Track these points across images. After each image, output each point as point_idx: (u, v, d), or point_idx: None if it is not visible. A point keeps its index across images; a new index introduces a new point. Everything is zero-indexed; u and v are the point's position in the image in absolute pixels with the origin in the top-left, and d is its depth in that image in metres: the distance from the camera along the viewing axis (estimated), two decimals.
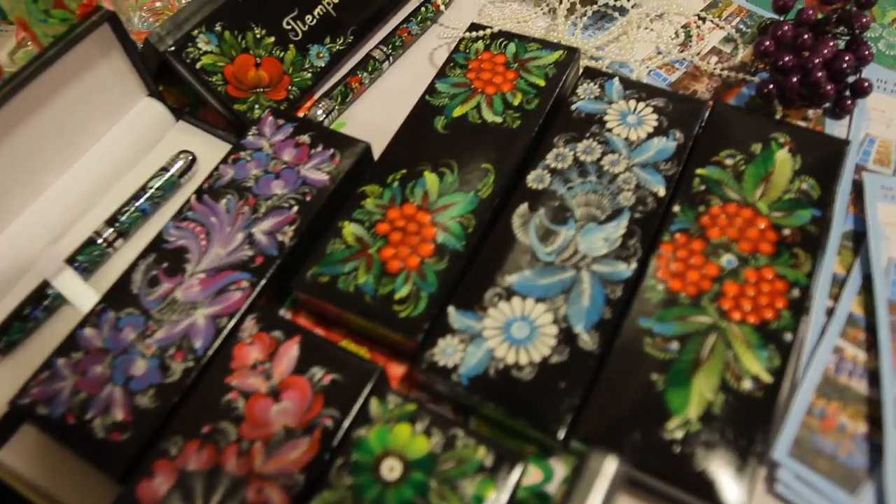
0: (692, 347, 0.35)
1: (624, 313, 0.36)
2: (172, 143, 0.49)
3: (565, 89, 0.46)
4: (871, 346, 0.37)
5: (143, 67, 0.46)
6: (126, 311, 0.38)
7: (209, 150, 0.48)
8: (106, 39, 0.43)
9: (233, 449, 0.34)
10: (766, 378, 0.34)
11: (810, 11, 0.46)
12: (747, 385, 0.34)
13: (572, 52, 0.46)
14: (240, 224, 0.41)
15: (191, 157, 0.46)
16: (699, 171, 0.41)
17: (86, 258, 0.42)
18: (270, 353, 0.36)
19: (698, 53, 0.51)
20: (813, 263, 0.37)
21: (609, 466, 0.25)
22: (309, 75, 0.49)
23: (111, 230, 0.43)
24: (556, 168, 0.41)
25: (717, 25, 0.52)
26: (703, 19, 0.53)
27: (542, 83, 0.45)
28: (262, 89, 0.48)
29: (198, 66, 0.46)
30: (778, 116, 0.47)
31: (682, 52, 0.51)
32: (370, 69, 0.50)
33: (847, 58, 0.45)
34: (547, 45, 0.47)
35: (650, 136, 0.42)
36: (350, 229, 0.40)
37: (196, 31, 0.46)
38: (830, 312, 0.39)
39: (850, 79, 0.47)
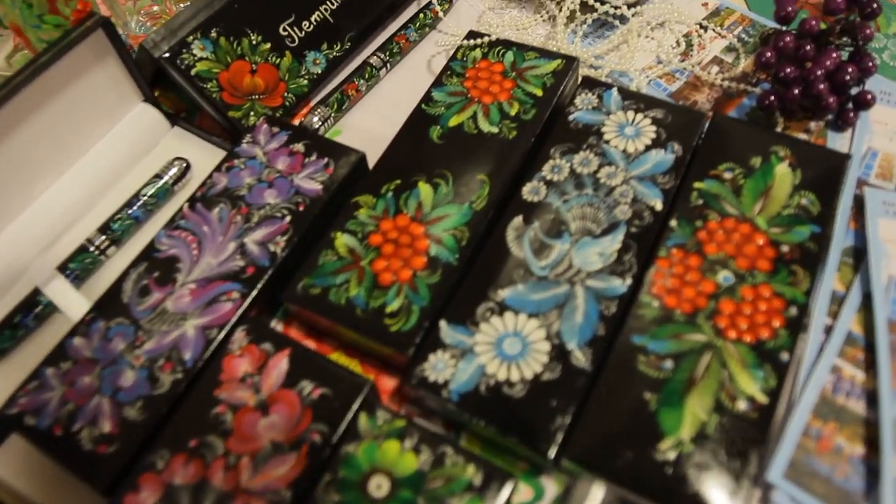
0: (686, 366, 0.34)
1: (618, 330, 0.36)
2: (167, 150, 0.48)
3: (563, 99, 0.45)
4: (870, 365, 0.37)
5: (137, 73, 0.46)
6: (116, 320, 0.38)
7: (204, 156, 0.48)
8: (100, 45, 0.43)
9: (220, 463, 0.33)
10: (762, 399, 0.33)
11: (813, 22, 0.45)
12: (742, 406, 0.33)
13: (571, 62, 0.46)
14: (232, 233, 0.40)
15: (185, 165, 0.46)
16: (697, 184, 0.40)
17: (77, 266, 0.42)
18: (260, 365, 0.36)
19: (699, 63, 0.50)
20: (811, 281, 0.36)
21: (596, 493, 0.24)
22: (305, 82, 0.49)
23: (103, 238, 0.43)
24: (552, 180, 0.41)
25: (719, 34, 0.52)
26: (705, 28, 0.52)
27: (539, 93, 0.45)
28: (257, 96, 0.47)
29: (192, 72, 0.46)
30: (779, 128, 0.46)
31: (682, 61, 0.50)
32: (367, 76, 0.50)
33: (850, 69, 0.44)
34: (545, 53, 0.46)
35: (648, 148, 0.42)
36: (342, 240, 0.40)
37: (191, 38, 0.46)
38: (829, 330, 0.38)
39: (853, 91, 0.46)
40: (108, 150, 0.47)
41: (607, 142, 0.42)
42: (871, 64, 0.46)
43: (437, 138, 0.43)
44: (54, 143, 0.44)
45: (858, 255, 0.41)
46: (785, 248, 0.37)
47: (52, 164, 0.45)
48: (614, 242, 0.38)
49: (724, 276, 0.37)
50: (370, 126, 0.49)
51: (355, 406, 0.34)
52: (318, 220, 0.41)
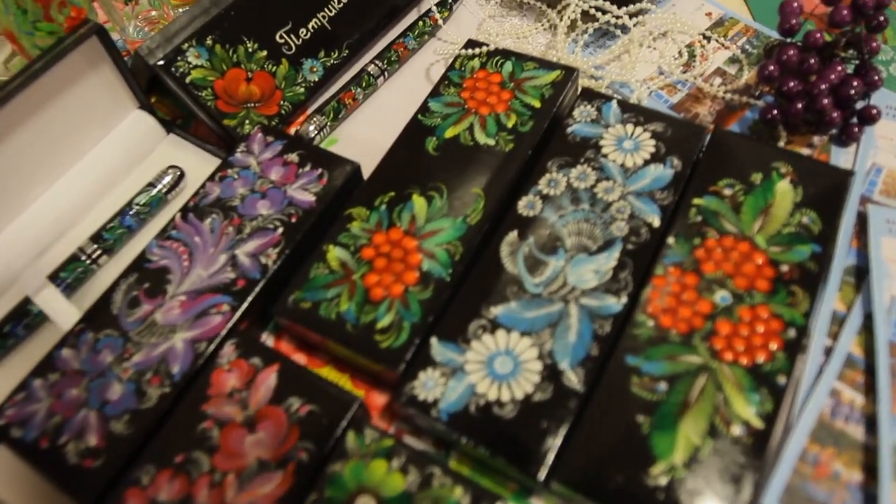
0: (681, 389, 0.33)
1: (612, 350, 0.35)
2: (162, 157, 0.48)
3: (562, 110, 0.45)
4: (870, 389, 0.36)
5: (132, 80, 0.46)
6: (105, 332, 0.38)
7: (199, 164, 0.47)
8: (94, 52, 0.43)
9: (205, 480, 0.33)
10: (757, 423, 0.32)
11: (818, 35, 0.44)
12: (737, 430, 0.32)
13: (570, 73, 0.45)
14: (223, 245, 0.40)
15: (178, 173, 0.46)
16: (696, 200, 0.39)
17: (69, 275, 0.42)
18: (248, 380, 0.36)
19: (701, 74, 0.49)
20: (811, 302, 0.35)
21: None
22: (302, 90, 0.48)
23: (95, 247, 0.43)
24: (548, 194, 0.40)
25: (723, 45, 0.51)
26: (708, 38, 0.51)
27: (537, 104, 0.44)
28: (253, 104, 0.47)
29: (187, 80, 0.45)
30: (782, 142, 0.46)
31: (684, 72, 0.50)
32: (364, 85, 0.49)
33: (855, 83, 0.43)
34: (544, 64, 0.46)
35: (647, 162, 0.41)
36: (334, 253, 0.39)
37: (186, 45, 0.45)
38: (829, 352, 0.37)
39: (858, 105, 0.45)
40: (102, 156, 0.47)
41: (605, 156, 0.41)
42: (876, 77, 0.45)
43: (433, 150, 0.43)
44: (48, 149, 0.44)
45: (860, 275, 0.40)
46: (784, 268, 0.36)
47: (45, 171, 0.45)
48: (610, 260, 0.37)
49: (721, 296, 0.36)
50: (367, 135, 0.49)
51: (343, 424, 0.34)
52: (310, 232, 0.40)
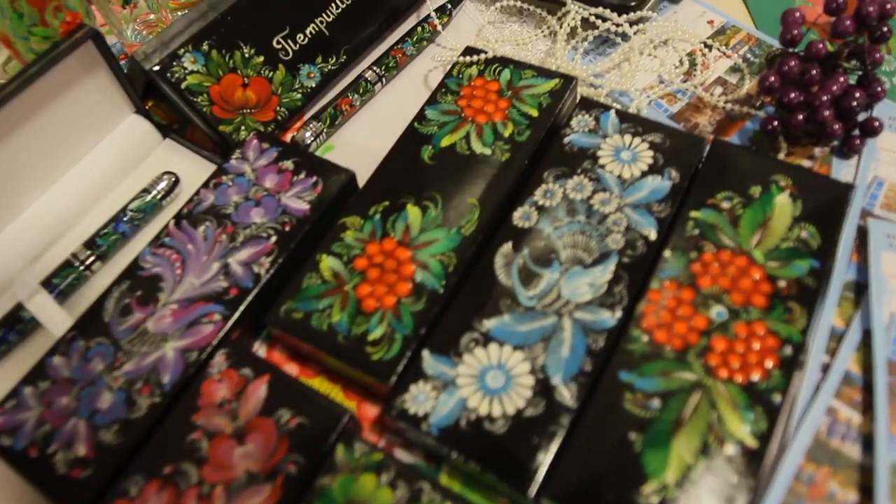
0: (674, 406, 0.33)
1: (605, 365, 0.35)
2: (158, 162, 0.48)
3: (560, 119, 0.44)
4: (868, 407, 0.35)
5: (128, 85, 0.45)
6: (96, 340, 0.38)
7: (195, 169, 0.47)
8: (90, 57, 0.43)
9: (193, 493, 0.33)
10: (751, 443, 0.32)
11: (820, 45, 0.43)
12: (730, 449, 0.32)
13: (568, 81, 0.44)
14: (216, 253, 0.40)
15: (174, 179, 0.45)
16: (693, 213, 0.39)
17: (62, 281, 0.42)
18: (238, 391, 0.35)
19: (702, 83, 0.49)
20: (808, 319, 0.35)
21: None
22: (298, 96, 0.48)
23: (89, 253, 0.43)
24: (543, 205, 0.40)
25: (724, 54, 0.50)
26: (710, 47, 0.51)
27: (534, 113, 0.43)
28: (249, 110, 0.47)
29: (183, 85, 0.45)
30: (783, 153, 0.45)
31: (685, 81, 0.49)
32: (362, 91, 0.49)
33: (857, 95, 0.43)
34: (543, 72, 0.45)
35: (644, 174, 0.40)
36: (327, 263, 0.39)
37: (182, 50, 0.45)
38: (826, 369, 0.37)
39: (861, 117, 0.45)
40: (98, 161, 0.46)
41: (602, 166, 0.41)
42: (879, 89, 0.44)
43: (429, 159, 0.42)
44: (43, 154, 0.44)
45: (860, 290, 0.39)
46: (782, 284, 0.36)
47: (40, 176, 0.45)
48: (605, 273, 0.37)
49: (717, 312, 0.35)
50: (363, 142, 0.49)
51: (332, 437, 0.33)
52: (304, 240, 0.40)
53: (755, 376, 0.33)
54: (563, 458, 0.32)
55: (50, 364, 0.37)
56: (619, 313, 0.36)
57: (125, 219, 0.43)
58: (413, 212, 0.40)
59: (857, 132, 0.44)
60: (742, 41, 0.51)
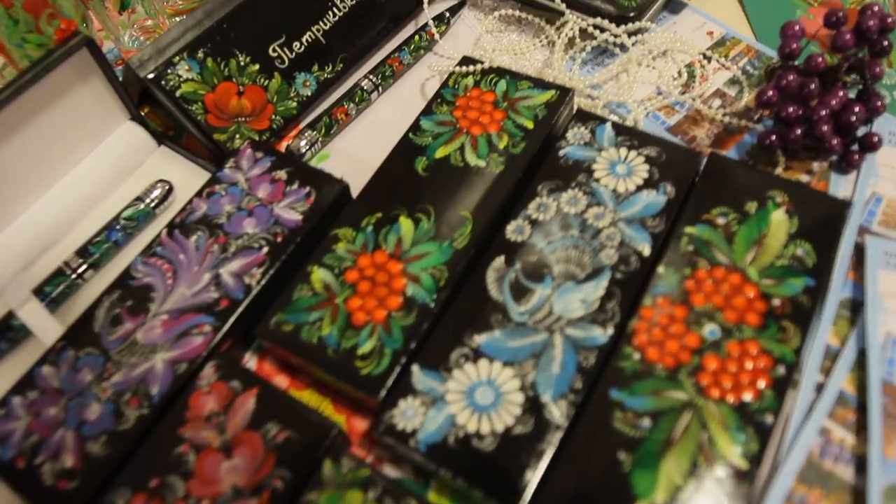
0: (664, 426, 0.33)
1: (596, 383, 0.34)
2: (153, 169, 0.48)
3: (556, 131, 0.44)
4: (861, 429, 0.35)
5: (123, 92, 0.45)
6: (86, 350, 0.37)
7: (189, 177, 0.47)
8: (84, 64, 0.43)
9: None
10: (742, 464, 0.32)
11: (819, 59, 0.43)
12: (720, 471, 0.31)
13: (564, 93, 0.44)
14: (208, 263, 0.40)
15: (167, 187, 0.45)
16: (688, 229, 0.38)
17: (53, 289, 0.42)
18: (226, 404, 0.35)
19: (701, 96, 0.48)
20: (802, 338, 0.35)
21: None
22: (294, 104, 0.48)
23: (81, 261, 0.42)
24: (537, 219, 0.39)
25: (723, 66, 0.50)
26: (709, 58, 0.50)
27: (530, 125, 0.43)
28: (244, 118, 0.46)
29: (178, 93, 0.45)
30: (781, 167, 0.45)
31: (683, 93, 0.49)
32: (357, 100, 0.49)
33: (857, 109, 0.42)
34: (539, 83, 0.45)
35: (639, 188, 0.40)
36: (319, 275, 0.39)
37: (177, 58, 0.45)
38: (820, 388, 0.36)
39: (860, 131, 0.44)
40: (92, 168, 0.46)
41: (597, 180, 0.41)
42: (879, 103, 0.44)
43: (423, 170, 0.42)
44: (37, 160, 0.44)
45: (856, 308, 0.39)
46: (776, 302, 0.36)
47: (34, 183, 0.44)
48: (598, 289, 0.37)
49: (710, 330, 0.35)
50: (358, 151, 0.48)
51: (320, 452, 0.33)
52: (295, 251, 0.40)
53: (747, 396, 0.33)
54: (552, 477, 0.32)
55: (39, 374, 0.37)
56: (610, 330, 0.36)
57: (118, 227, 0.43)
58: (405, 224, 0.40)
59: (855, 147, 0.44)
60: (742, 53, 0.51)
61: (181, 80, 0.45)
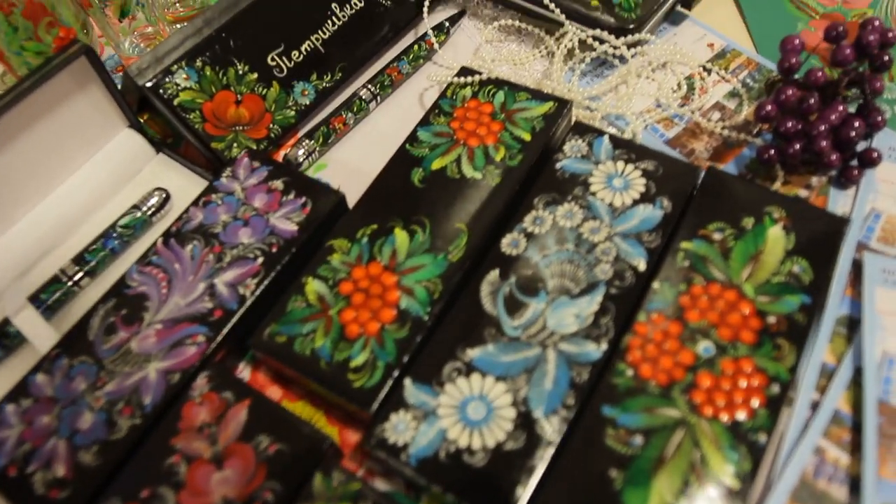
0: (657, 443, 0.32)
1: (588, 399, 0.34)
2: (151, 177, 0.48)
3: (554, 143, 0.44)
4: (856, 448, 0.35)
5: (122, 100, 0.45)
6: (80, 358, 0.37)
7: (187, 185, 0.47)
8: (83, 72, 0.43)
9: None
10: (734, 484, 0.31)
11: (819, 73, 0.43)
12: (712, 490, 0.31)
13: (562, 105, 0.44)
14: (203, 273, 0.40)
15: (164, 196, 0.45)
16: (684, 244, 0.38)
17: (49, 296, 0.42)
18: (218, 415, 0.35)
19: (700, 108, 0.48)
20: (797, 357, 0.34)
21: None
22: (292, 113, 0.48)
23: (77, 268, 0.43)
24: (532, 232, 0.39)
25: (723, 78, 0.50)
26: (709, 71, 0.50)
27: (527, 137, 0.43)
28: (241, 127, 0.46)
29: (175, 102, 0.45)
30: (780, 181, 0.44)
31: (682, 105, 0.48)
32: (355, 109, 0.49)
33: (857, 124, 0.42)
34: (537, 95, 0.45)
35: (636, 202, 0.40)
36: (313, 286, 0.39)
37: (175, 67, 0.45)
38: (816, 406, 0.36)
39: (860, 146, 0.44)
40: (90, 175, 0.46)
41: (594, 194, 0.40)
42: (879, 118, 0.44)
43: (419, 182, 0.42)
44: (35, 167, 0.44)
45: (853, 326, 0.39)
46: (772, 319, 0.35)
47: (32, 189, 0.45)
48: (592, 304, 0.37)
49: (704, 347, 0.35)
50: (356, 161, 0.48)
51: (311, 465, 0.33)
52: (290, 262, 0.40)
53: (741, 415, 0.33)
54: (543, 494, 0.32)
55: (33, 382, 0.37)
56: (604, 346, 0.35)
57: (114, 235, 0.43)
58: (401, 236, 0.40)
59: (855, 162, 0.44)
60: (742, 65, 0.50)
61: (179, 88, 0.45)
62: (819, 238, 0.38)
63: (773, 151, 0.43)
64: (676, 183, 0.41)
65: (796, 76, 0.44)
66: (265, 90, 0.47)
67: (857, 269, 0.41)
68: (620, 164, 0.41)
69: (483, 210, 0.40)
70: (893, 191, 0.44)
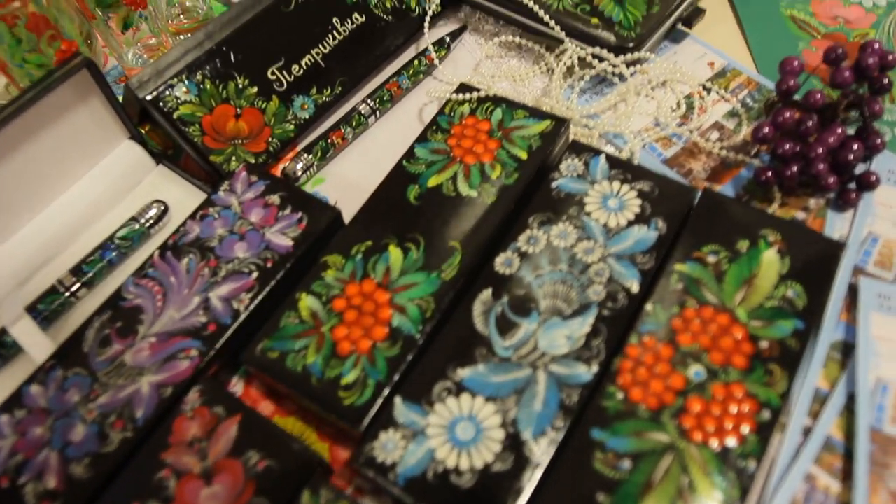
0: (645, 468, 0.32)
1: (577, 421, 0.34)
2: (151, 188, 0.48)
3: (550, 161, 0.44)
4: (847, 476, 0.35)
5: (123, 112, 0.46)
6: (74, 370, 0.38)
7: (186, 197, 0.47)
8: (84, 85, 0.43)
9: None
10: None
11: (818, 95, 0.43)
12: None
13: (560, 124, 0.44)
14: (198, 287, 0.40)
15: (163, 208, 0.46)
16: (678, 266, 0.38)
17: (46, 307, 0.42)
18: (209, 430, 0.35)
19: (699, 128, 0.48)
20: (789, 383, 0.34)
21: None
22: (291, 127, 0.48)
23: (74, 280, 0.43)
24: (526, 252, 0.39)
25: (723, 97, 0.49)
26: (708, 90, 0.50)
27: (524, 156, 0.43)
28: (240, 140, 0.47)
29: (175, 115, 0.45)
30: (777, 203, 0.44)
31: (681, 125, 0.48)
32: (355, 124, 0.49)
33: (855, 147, 0.42)
34: (535, 113, 0.45)
35: (630, 223, 0.40)
36: (306, 302, 0.39)
37: (176, 80, 0.45)
38: (808, 432, 0.36)
39: (858, 169, 0.44)
40: (90, 187, 0.47)
41: (588, 214, 0.40)
42: (878, 141, 0.44)
43: (415, 199, 0.42)
44: (36, 178, 0.44)
45: (847, 351, 0.38)
46: (764, 344, 0.35)
47: (33, 200, 0.45)
48: (584, 325, 0.37)
49: (695, 371, 0.35)
50: (354, 175, 0.49)
51: (300, 482, 0.33)
52: (285, 277, 0.40)
53: (730, 441, 0.33)
54: None
55: (27, 393, 0.37)
56: (595, 368, 0.35)
57: (112, 247, 0.44)
58: (395, 253, 0.40)
59: (853, 185, 0.44)
60: (742, 85, 0.50)
61: (179, 101, 0.45)
62: (814, 262, 0.38)
63: (770, 173, 0.43)
64: (672, 204, 0.41)
65: (796, 97, 0.44)
66: (265, 104, 0.48)
67: (852, 293, 0.40)
68: (616, 184, 0.41)
69: (477, 228, 0.40)
70: (891, 214, 0.43)
